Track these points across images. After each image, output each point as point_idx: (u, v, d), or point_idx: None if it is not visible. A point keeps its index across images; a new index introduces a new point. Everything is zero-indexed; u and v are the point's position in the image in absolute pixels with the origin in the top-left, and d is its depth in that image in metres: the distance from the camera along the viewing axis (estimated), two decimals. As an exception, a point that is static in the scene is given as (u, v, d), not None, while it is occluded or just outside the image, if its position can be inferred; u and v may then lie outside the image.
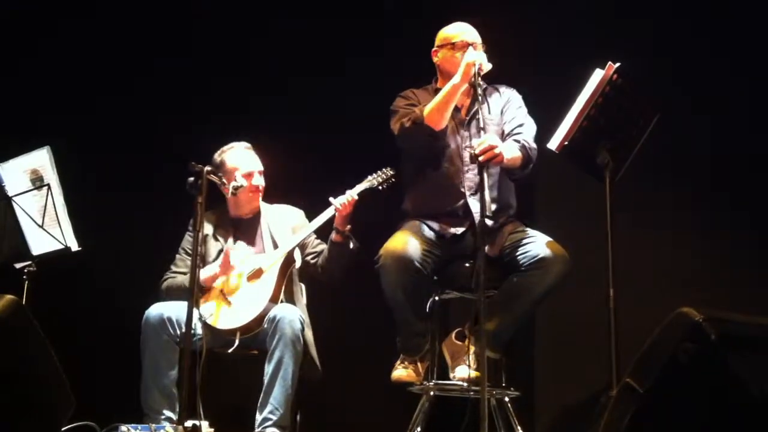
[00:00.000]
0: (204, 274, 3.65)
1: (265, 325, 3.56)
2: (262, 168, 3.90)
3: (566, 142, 3.38)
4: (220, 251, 3.81)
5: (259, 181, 3.88)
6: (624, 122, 3.41)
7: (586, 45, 4.24)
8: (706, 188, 4.26)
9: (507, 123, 3.67)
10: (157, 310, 3.58)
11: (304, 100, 4.66)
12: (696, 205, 4.28)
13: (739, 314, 2.18)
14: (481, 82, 3.44)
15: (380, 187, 3.80)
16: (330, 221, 3.76)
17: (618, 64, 3.33)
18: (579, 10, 4.40)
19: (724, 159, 4.22)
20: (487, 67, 3.47)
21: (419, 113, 3.54)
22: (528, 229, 3.60)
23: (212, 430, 3.16)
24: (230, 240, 3.85)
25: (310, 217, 3.88)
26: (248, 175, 3.85)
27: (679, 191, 4.28)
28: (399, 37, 4.46)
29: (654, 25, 4.34)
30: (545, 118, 3.68)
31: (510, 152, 3.46)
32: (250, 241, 3.88)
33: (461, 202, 3.60)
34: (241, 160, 3.87)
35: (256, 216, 3.93)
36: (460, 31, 3.69)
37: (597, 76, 3.36)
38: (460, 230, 3.57)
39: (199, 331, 3.46)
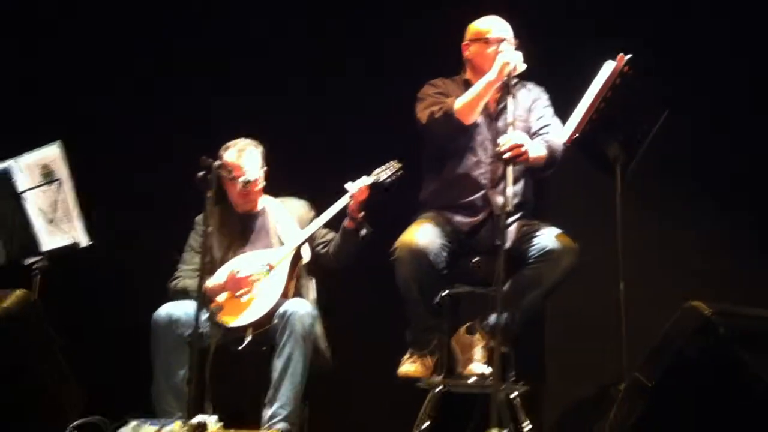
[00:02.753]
0: (211, 282, 3.64)
1: (276, 321, 3.55)
2: (261, 162, 3.89)
3: (576, 135, 3.36)
4: (227, 247, 3.81)
5: (259, 174, 3.87)
6: (635, 115, 3.39)
7: (596, 36, 4.22)
8: (715, 182, 4.24)
9: (534, 121, 3.66)
10: (165, 310, 3.56)
11: (304, 99, 4.65)
12: (705, 199, 4.25)
13: (748, 308, 2.17)
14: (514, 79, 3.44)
15: (387, 180, 3.79)
16: (340, 211, 3.75)
17: (629, 56, 3.31)
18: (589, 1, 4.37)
19: (728, 156, 4.19)
20: (522, 68, 3.46)
21: (451, 104, 3.52)
22: (538, 222, 3.59)
23: (220, 424, 3.16)
24: (236, 239, 3.85)
25: (314, 207, 3.89)
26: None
27: (687, 185, 4.26)
28: (399, 36, 4.44)
29: (660, 20, 4.31)
30: (555, 110, 3.68)
31: (535, 151, 3.45)
32: (257, 236, 3.87)
33: (480, 194, 3.59)
34: (241, 157, 3.86)
35: (261, 211, 3.92)
36: (492, 26, 3.67)
37: (608, 67, 3.34)
38: (476, 221, 3.57)
39: (209, 327, 3.46)
